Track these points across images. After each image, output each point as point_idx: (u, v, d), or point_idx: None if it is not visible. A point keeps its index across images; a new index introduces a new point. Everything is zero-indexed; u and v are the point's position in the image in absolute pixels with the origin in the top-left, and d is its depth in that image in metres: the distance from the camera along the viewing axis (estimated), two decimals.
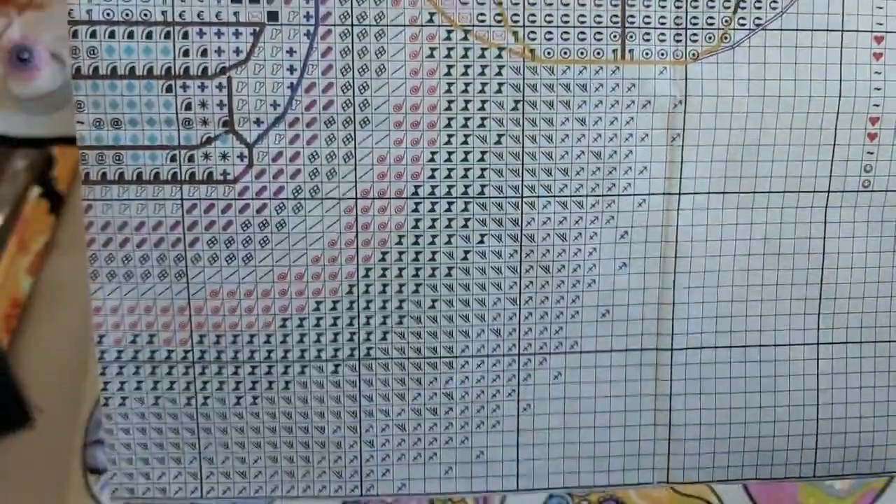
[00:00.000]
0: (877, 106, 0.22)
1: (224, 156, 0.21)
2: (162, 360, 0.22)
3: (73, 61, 0.20)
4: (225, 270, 0.21)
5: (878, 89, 0.22)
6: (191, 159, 0.21)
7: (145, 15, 0.20)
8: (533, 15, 0.21)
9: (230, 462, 0.22)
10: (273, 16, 0.20)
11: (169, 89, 0.20)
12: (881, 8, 0.22)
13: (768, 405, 0.24)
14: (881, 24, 0.22)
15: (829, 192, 0.23)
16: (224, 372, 0.22)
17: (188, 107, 0.21)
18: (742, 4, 0.22)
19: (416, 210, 0.22)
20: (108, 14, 0.20)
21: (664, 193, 0.22)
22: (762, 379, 0.24)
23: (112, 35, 0.20)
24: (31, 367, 0.37)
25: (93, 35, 0.20)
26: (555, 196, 0.22)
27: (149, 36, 0.20)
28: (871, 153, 0.23)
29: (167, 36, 0.20)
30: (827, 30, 0.22)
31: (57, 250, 0.38)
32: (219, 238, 0.21)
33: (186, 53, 0.20)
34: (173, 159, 0.21)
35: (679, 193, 0.22)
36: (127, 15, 0.20)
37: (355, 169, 0.21)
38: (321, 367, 0.22)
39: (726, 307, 0.23)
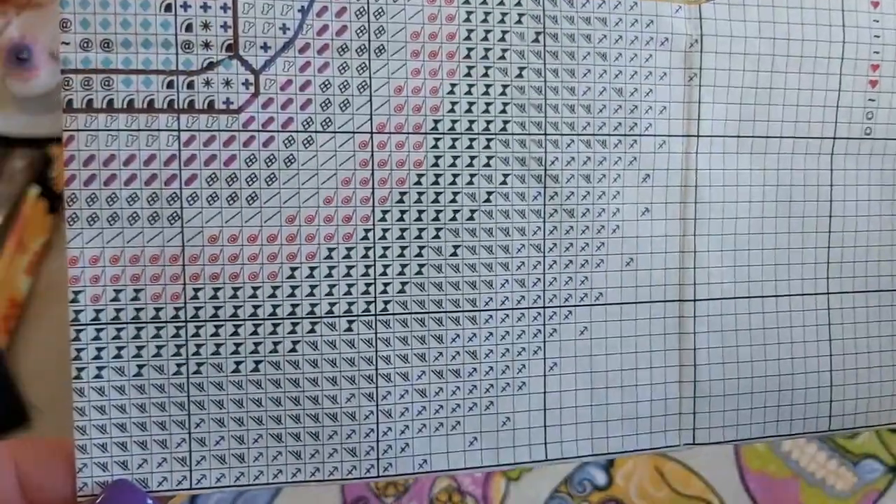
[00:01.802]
0: (877, 53, 0.26)
1: (227, 83, 0.21)
2: (148, 319, 0.21)
3: None
4: (226, 212, 0.22)
5: (878, 36, 0.26)
6: (190, 86, 0.21)
7: None
8: None
9: (226, 442, 0.22)
10: None
11: (168, 8, 0.21)
12: None
13: (785, 357, 0.26)
14: None
15: (834, 138, 0.26)
16: (221, 332, 0.22)
17: (189, 28, 0.21)
18: None
19: (435, 146, 0.23)
20: None
21: (683, 135, 0.25)
22: (779, 331, 0.26)
23: None
24: (29, 367, 0.43)
25: None
26: (578, 134, 0.24)
27: None
28: (873, 100, 0.26)
29: None
30: None
31: (56, 250, 0.45)
32: (220, 175, 0.22)
33: None
34: (170, 86, 0.21)
35: (697, 136, 0.25)
36: None
37: (370, 100, 0.22)
38: (333, 323, 0.22)
39: (743, 256, 0.26)
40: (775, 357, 0.26)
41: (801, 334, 0.26)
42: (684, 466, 0.43)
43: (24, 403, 0.43)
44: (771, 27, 0.25)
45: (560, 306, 0.24)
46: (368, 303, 0.23)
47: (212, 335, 0.22)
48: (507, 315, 0.24)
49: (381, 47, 0.22)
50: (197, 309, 0.22)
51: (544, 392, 0.24)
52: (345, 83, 0.22)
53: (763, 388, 0.26)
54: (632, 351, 0.25)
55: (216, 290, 0.22)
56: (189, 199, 0.21)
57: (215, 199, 0.21)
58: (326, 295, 0.22)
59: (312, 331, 0.22)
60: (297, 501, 0.41)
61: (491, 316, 0.23)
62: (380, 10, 0.22)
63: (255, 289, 0.22)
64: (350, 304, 0.22)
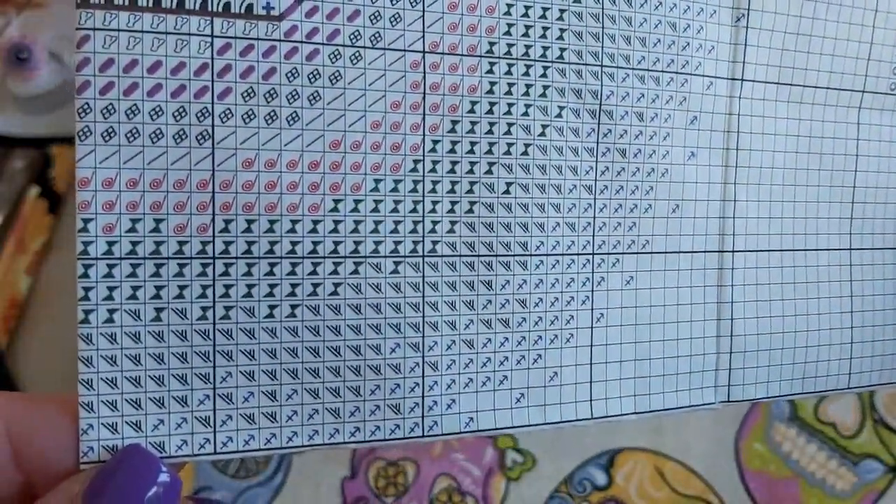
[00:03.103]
0: None
1: None
2: (170, 255, 0.20)
3: None
4: (263, 133, 0.21)
5: None
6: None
7: None
8: None
9: (255, 399, 0.21)
10: None
11: None
12: None
13: (812, 313, 0.28)
14: None
15: (863, 91, 0.28)
16: (254, 271, 0.21)
17: None
18: None
19: (490, 71, 0.23)
20: None
21: (729, 78, 0.26)
22: (807, 286, 0.28)
23: None
24: (29, 367, 0.45)
25: None
26: (633, 68, 0.24)
27: None
28: None
29: None
30: None
31: (55, 250, 0.45)
32: (257, 90, 0.20)
33: None
34: None
35: (742, 79, 0.26)
36: None
37: (423, 16, 0.22)
38: (379, 264, 0.22)
39: (777, 208, 0.27)
40: (803, 312, 0.27)
41: (827, 290, 0.28)
42: (684, 466, 0.44)
43: None
44: None
45: (608, 253, 0.24)
46: (416, 242, 0.22)
47: (243, 274, 0.21)
48: (558, 261, 0.24)
49: None
50: (227, 244, 0.20)
51: (591, 345, 0.24)
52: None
53: (793, 343, 0.27)
54: (674, 304, 0.26)
55: (249, 222, 0.21)
56: (222, 115, 0.20)
57: (251, 117, 0.20)
58: (371, 232, 0.22)
59: (356, 272, 0.21)
60: (296, 501, 0.41)
61: (542, 261, 0.24)
62: None
63: (293, 222, 0.21)
64: (396, 242, 0.22)
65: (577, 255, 0.24)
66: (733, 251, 0.26)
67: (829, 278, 0.28)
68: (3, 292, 0.45)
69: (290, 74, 0.21)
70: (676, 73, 0.25)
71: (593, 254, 0.24)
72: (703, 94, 0.25)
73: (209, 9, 0.20)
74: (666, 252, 0.25)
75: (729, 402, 0.27)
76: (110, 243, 0.20)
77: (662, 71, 0.24)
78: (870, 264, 0.29)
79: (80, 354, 0.19)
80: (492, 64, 0.22)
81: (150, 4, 0.19)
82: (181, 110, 0.20)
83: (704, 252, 0.26)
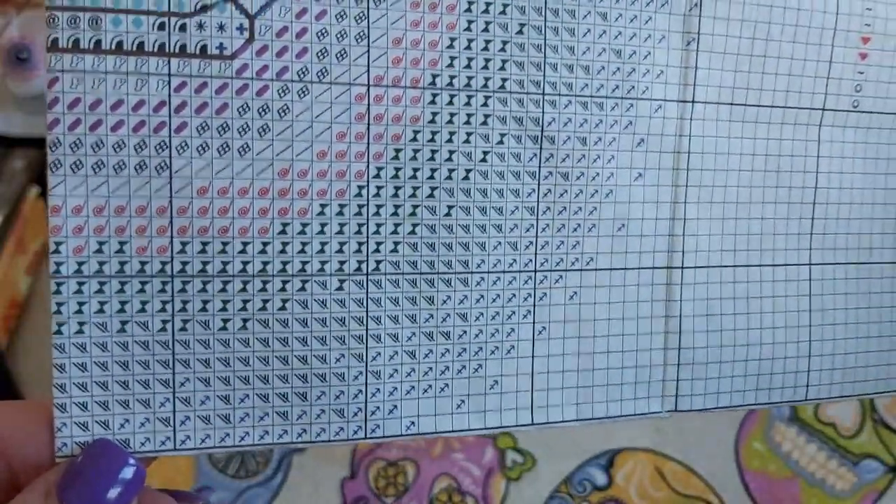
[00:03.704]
0: (868, 25, 0.30)
1: (221, 27, 0.24)
2: (133, 273, 0.24)
3: None
4: (217, 163, 0.24)
5: (870, 9, 0.30)
6: (182, 28, 0.23)
7: None
8: None
9: (211, 402, 0.25)
10: None
11: None
12: None
13: (767, 327, 0.30)
14: None
15: (823, 109, 0.30)
16: (209, 288, 0.24)
17: None
18: None
19: (433, 102, 0.26)
20: None
21: (679, 101, 0.28)
22: (762, 300, 0.30)
23: None
24: (29, 367, 0.47)
25: None
26: (576, 95, 0.27)
27: None
28: (862, 73, 0.30)
29: None
30: None
31: None
32: (211, 124, 0.24)
33: None
34: (162, 27, 0.23)
35: (693, 101, 0.29)
36: None
37: (368, 51, 0.25)
38: (324, 282, 0.25)
39: (731, 225, 0.30)
40: (757, 326, 0.30)
41: (783, 304, 0.30)
42: (684, 466, 0.47)
43: None
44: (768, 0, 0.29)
45: (551, 270, 0.27)
46: (360, 262, 0.25)
47: (199, 291, 0.24)
48: (499, 278, 0.27)
49: None
50: (184, 263, 0.24)
51: (532, 356, 0.27)
52: (342, 32, 0.25)
53: (745, 356, 0.30)
54: (619, 317, 0.28)
55: (204, 244, 0.24)
56: (178, 147, 0.24)
57: (206, 148, 0.24)
58: (318, 252, 0.25)
59: (303, 289, 0.25)
60: (296, 501, 0.45)
61: (482, 278, 0.27)
62: None
63: (244, 244, 0.24)
64: (341, 262, 0.25)
65: (519, 272, 0.27)
66: (682, 267, 0.29)
67: (785, 293, 0.30)
68: (3, 292, 0.47)
69: (241, 109, 0.24)
70: (622, 98, 0.27)
71: (535, 271, 0.27)
72: (650, 118, 0.28)
73: (166, 50, 0.23)
74: (611, 269, 0.28)
75: (676, 411, 0.29)
76: (80, 263, 0.23)
77: (606, 97, 0.27)
78: (830, 279, 0.31)
79: (53, 362, 0.23)
80: (434, 95, 0.26)
81: (113, 47, 0.23)
82: (141, 143, 0.23)
83: (652, 268, 0.29)
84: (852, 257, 0.31)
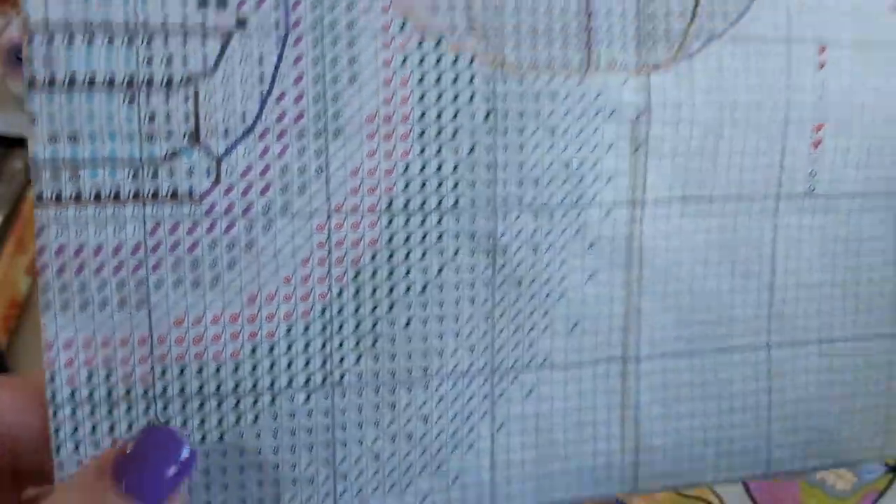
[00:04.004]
0: (821, 114, 0.32)
1: (190, 171, 0.27)
2: (120, 398, 0.27)
3: (27, 70, 0.25)
4: (190, 296, 0.27)
5: (822, 99, 0.32)
6: (154, 175, 0.26)
7: (107, 19, 0.26)
8: (503, 22, 0.29)
9: None
10: (242, 23, 0.27)
11: (131, 100, 0.26)
12: (825, 20, 0.32)
13: (725, 410, 0.33)
14: (825, 35, 0.32)
15: (778, 196, 0.33)
16: (188, 408, 0.28)
17: (152, 119, 0.26)
18: (697, 13, 0.31)
19: (390, 225, 0.29)
20: (66, 18, 0.25)
21: (629, 203, 0.31)
22: (719, 382, 0.33)
23: (71, 41, 0.25)
24: (29, 367, 0.48)
25: (50, 41, 0.25)
26: (527, 207, 0.30)
27: (110, 42, 0.26)
28: (816, 160, 0.33)
29: (130, 43, 0.26)
30: (775, 39, 0.32)
31: None
32: (184, 260, 0.27)
33: (150, 62, 0.26)
34: (135, 176, 0.26)
35: (643, 203, 0.31)
36: (87, 20, 0.25)
37: (327, 183, 0.28)
38: (293, 396, 0.28)
39: (687, 313, 0.32)
40: (715, 411, 0.33)
41: (742, 385, 0.33)
42: None
43: None
44: (718, 93, 0.31)
45: (508, 370, 0.30)
46: (325, 376, 0.28)
47: (179, 410, 0.27)
48: (457, 380, 0.30)
49: (337, 130, 0.28)
50: (164, 387, 0.27)
51: (492, 451, 0.30)
52: (303, 167, 0.28)
53: (703, 438, 0.32)
54: (576, 408, 0.31)
55: (182, 368, 0.27)
56: (155, 284, 0.27)
57: (180, 283, 0.27)
58: (285, 370, 0.28)
59: (273, 403, 0.28)
60: None
61: (442, 382, 0.30)
62: (336, 94, 0.28)
63: (218, 367, 0.28)
64: (308, 376, 0.28)
65: (477, 374, 0.30)
66: (638, 357, 0.31)
67: (743, 375, 0.33)
68: (3, 292, 0.48)
69: (210, 245, 0.27)
70: (571, 205, 0.30)
71: (493, 371, 0.30)
72: (601, 221, 0.30)
73: (141, 197, 0.26)
74: (566, 365, 0.31)
75: (638, 491, 0.32)
76: (72, 391, 0.27)
77: (556, 206, 0.30)
78: (790, 358, 0.33)
79: (56, 478, 0.27)
80: (390, 219, 0.28)
81: (92, 198, 0.26)
82: (122, 282, 0.27)
83: (608, 360, 0.31)
84: (813, 336, 0.33)
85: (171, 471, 0.25)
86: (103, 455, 0.25)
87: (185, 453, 0.25)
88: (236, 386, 0.28)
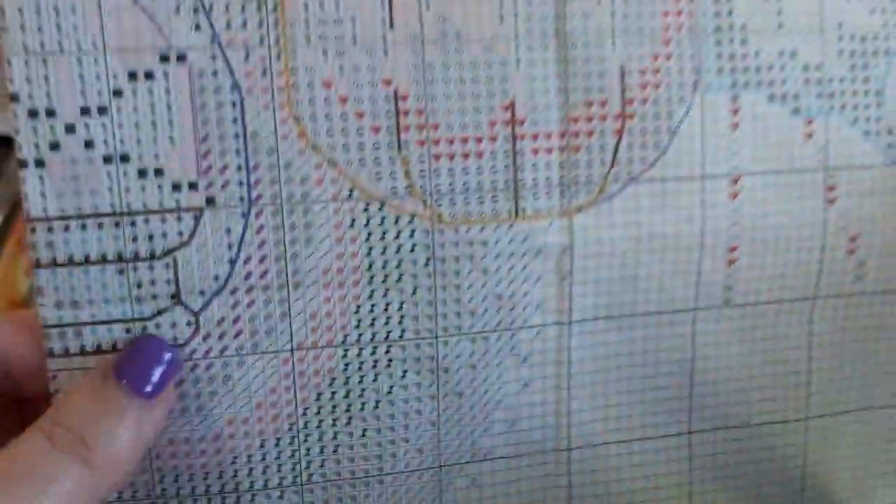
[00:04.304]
0: (735, 237, 0.36)
1: (174, 324, 0.32)
2: (128, 499, 0.34)
3: (32, 254, 0.31)
4: (178, 420, 0.33)
5: (736, 224, 0.36)
6: (144, 329, 0.32)
7: (96, 209, 0.31)
8: (438, 185, 0.33)
9: None
10: (211, 201, 0.32)
11: (121, 272, 0.32)
12: (737, 153, 0.36)
13: (651, 499, 0.38)
14: (737, 168, 0.36)
15: (695, 309, 0.37)
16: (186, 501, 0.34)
17: (139, 286, 0.32)
18: (616, 160, 0.35)
19: (345, 356, 0.34)
20: (62, 211, 0.31)
21: (557, 324, 0.36)
22: (644, 467, 0.38)
23: (67, 229, 0.31)
24: None
25: (50, 230, 0.31)
26: (465, 334, 0.35)
27: (100, 227, 0.31)
28: (731, 276, 0.37)
29: (117, 225, 0.31)
30: (689, 178, 0.35)
31: None
32: (171, 396, 0.33)
33: (135, 239, 0.31)
34: (129, 331, 0.32)
35: (569, 322, 0.36)
36: (79, 210, 0.31)
37: (290, 326, 0.33)
38: (269, 493, 0.34)
39: (614, 410, 0.37)
40: (643, 499, 0.38)
41: (665, 468, 0.38)
42: None
43: None
44: (636, 227, 0.35)
45: (453, 465, 0.36)
46: (295, 477, 0.34)
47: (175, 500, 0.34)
48: (409, 475, 0.36)
49: (297, 283, 0.33)
50: (163, 490, 0.34)
51: None
52: (269, 314, 0.33)
53: None
54: (517, 492, 0.37)
55: (177, 476, 0.34)
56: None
57: (171, 411, 0.33)
58: (261, 474, 0.34)
59: (252, 501, 0.34)
60: None
61: (395, 478, 0.35)
62: (295, 254, 0.33)
63: (206, 474, 0.34)
64: (281, 478, 0.34)
65: (426, 469, 0.35)
66: (569, 449, 0.37)
67: (667, 458, 0.38)
68: (3, 292, 0.49)
69: (194, 381, 0.33)
70: (504, 330, 0.35)
71: (440, 466, 0.36)
72: (532, 340, 0.35)
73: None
74: (506, 457, 0.36)
75: None
76: None
77: (491, 331, 0.35)
78: (711, 442, 0.38)
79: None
80: (346, 350, 0.34)
81: (93, 349, 0.32)
82: None
83: (542, 453, 0.37)
84: (733, 420, 0.38)
85: (160, 369, 0.30)
86: (104, 360, 0.31)
87: (168, 356, 0.31)
88: (221, 487, 0.34)
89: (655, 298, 0.36)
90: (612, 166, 0.34)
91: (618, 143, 0.34)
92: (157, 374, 0.30)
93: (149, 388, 0.30)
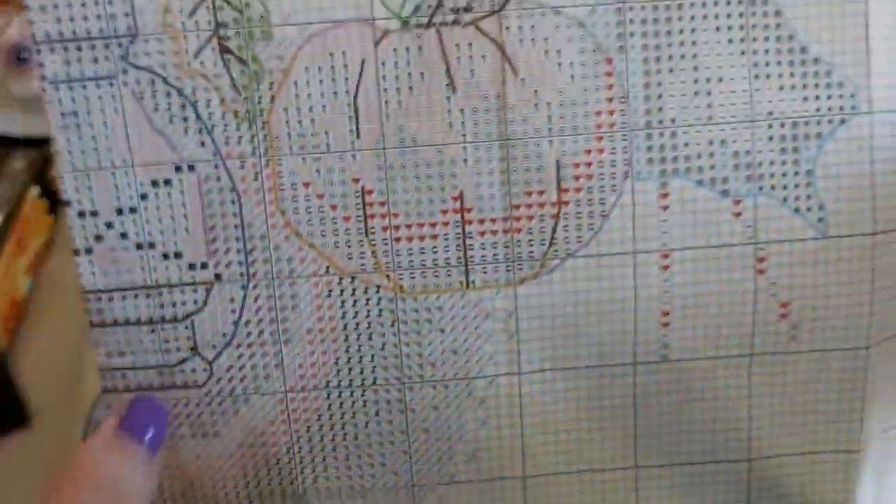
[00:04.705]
0: (666, 303, 0.41)
1: (193, 370, 0.42)
2: None
3: (88, 316, 0.41)
4: (201, 442, 0.43)
5: (667, 292, 0.41)
6: (171, 374, 0.42)
7: (132, 284, 0.41)
8: (399, 262, 0.41)
9: None
10: (218, 277, 0.41)
11: (153, 331, 0.41)
12: (666, 232, 0.41)
13: None
14: (666, 244, 0.41)
15: (635, 363, 0.42)
16: None
17: (167, 340, 0.41)
18: (554, 240, 0.41)
19: (328, 397, 0.42)
20: (107, 285, 0.40)
21: (508, 374, 0.42)
22: (594, 497, 0.44)
23: (111, 299, 0.41)
24: (29, 367, 0.50)
25: (99, 300, 0.41)
26: (427, 381, 0.42)
27: (136, 297, 0.41)
28: (666, 336, 0.42)
29: (148, 296, 0.41)
30: (622, 253, 0.41)
31: (55, 250, 0.52)
32: (195, 423, 0.42)
33: (162, 307, 0.41)
34: (160, 374, 0.42)
35: (519, 373, 0.42)
36: (119, 285, 0.41)
37: (283, 373, 0.42)
38: (273, 502, 0.44)
39: (565, 445, 0.43)
40: None
41: (612, 498, 0.44)
42: None
43: (24, 403, 0.50)
44: (574, 295, 0.41)
45: (424, 484, 0.44)
46: (294, 490, 0.43)
47: None
48: (385, 494, 0.44)
49: (287, 339, 0.41)
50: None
51: None
52: (266, 364, 0.42)
53: None
54: None
55: (186, 486, 0.43)
56: (178, 437, 0.43)
57: (194, 435, 0.42)
58: (267, 485, 0.43)
59: None
60: None
61: (374, 493, 0.44)
62: (285, 317, 0.41)
63: (225, 494, 0.43)
64: (282, 490, 0.43)
65: (400, 488, 0.43)
66: (524, 477, 0.44)
67: (614, 489, 0.44)
68: (3, 292, 0.48)
69: (210, 414, 0.42)
70: (461, 379, 0.42)
71: (413, 486, 0.44)
72: (486, 387, 0.42)
73: (164, 386, 0.42)
74: (469, 482, 0.44)
75: None
76: None
77: (450, 379, 0.42)
78: (656, 477, 0.44)
79: None
80: (329, 393, 0.42)
81: (135, 388, 0.42)
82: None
83: (501, 479, 0.44)
84: (676, 459, 0.44)
85: (154, 420, 0.39)
86: (108, 418, 0.39)
87: (160, 411, 0.40)
88: (237, 496, 0.43)
89: (596, 353, 0.42)
90: (550, 245, 0.40)
91: (555, 225, 0.40)
92: (152, 428, 0.39)
93: (150, 435, 0.39)
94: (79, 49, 0.38)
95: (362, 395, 0.42)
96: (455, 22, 0.39)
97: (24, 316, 0.50)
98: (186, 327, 0.41)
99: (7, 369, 0.50)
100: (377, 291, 0.40)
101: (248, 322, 0.41)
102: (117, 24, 0.38)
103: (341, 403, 0.42)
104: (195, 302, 0.40)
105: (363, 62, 0.39)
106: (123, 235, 0.40)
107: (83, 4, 0.38)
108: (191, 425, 0.42)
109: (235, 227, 0.40)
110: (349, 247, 0.40)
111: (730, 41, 0.39)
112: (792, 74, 0.39)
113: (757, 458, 0.43)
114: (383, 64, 0.39)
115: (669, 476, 0.44)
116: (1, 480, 0.45)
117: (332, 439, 0.42)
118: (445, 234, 0.40)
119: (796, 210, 0.40)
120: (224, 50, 0.38)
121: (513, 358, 0.41)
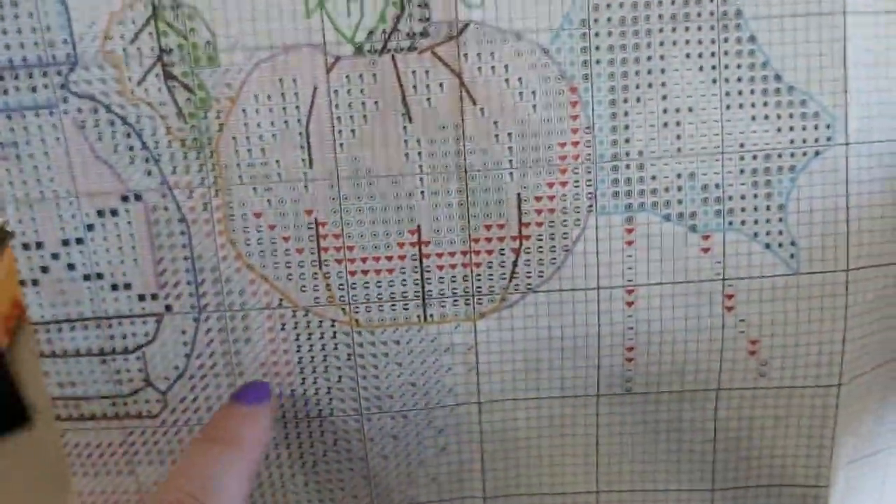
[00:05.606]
0: (631, 339, 0.40)
1: (147, 401, 0.41)
2: None
3: (37, 347, 0.40)
4: (158, 471, 0.42)
5: (632, 328, 0.40)
6: (125, 405, 0.41)
7: (80, 315, 0.39)
8: (355, 295, 0.39)
9: None
10: (169, 308, 0.39)
11: (104, 362, 0.40)
12: (631, 267, 0.39)
13: None
14: (631, 280, 0.39)
15: (598, 396, 0.41)
16: None
17: (118, 371, 0.40)
18: (515, 274, 0.39)
19: (285, 427, 0.41)
20: (55, 316, 0.39)
21: (468, 404, 0.41)
22: None
23: (60, 330, 0.40)
24: (29, 367, 0.51)
25: (48, 331, 0.40)
26: (385, 412, 0.41)
27: (85, 328, 0.40)
28: (630, 370, 0.41)
29: (98, 327, 0.40)
30: (585, 289, 0.39)
31: None
32: (151, 452, 0.42)
33: (112, 338, 0.40)
34: (114, 405, 0.41)
35: (479, 402, 0.41)
36: (68, 316, 0.39)
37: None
38: None
39: (525, 469, 0.43)
40: None
41: None
42: None
43: (24, 403, 0.51)
44: (535, 331, 0.40)
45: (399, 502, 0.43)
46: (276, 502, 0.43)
47: None
48: None
49: (241, 372, 0.40)
50: None
51: None
52: (220, 395, 0.41)
53: None
54: None
55: None
56: (136, 462, 0.42)
57: (151, 462, 0.42)
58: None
59: None
60: None
61: None
62: (238, 350, 0.40)
63: None
64: None
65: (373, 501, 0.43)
66: (484, 497, 0.43)
67: None
68: (3, 292, 0.49)
69: (167, 442, 0.41)
70: (420, 409, 0.41)
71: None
72: (447, 416, 0.41)
73: (118, 417, 0.41)
74: (431, 502, 0.43)
75: None
76: None
77: (409, 410, 0.41)
78: (617, 502, 0.44)
79: None
80: (286, 423, 0.41)
81: (90, 417, 0.41)
82: (116, 462, 0.42)
83: (461, 499, 0.43)
84: (637, 486, 0.43)
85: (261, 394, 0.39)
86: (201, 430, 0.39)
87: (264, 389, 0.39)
88: None
89: (559, 385, 0.41)
90: (511, 280, 0.39)
91: (516, 260, 0.39)
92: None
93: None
94: (16, 77, 0.36)
95: (319, 426, 0.41)
96: (411, 48, 0.36)
97: (24, 315, 0.49)
98: (138, 358, 0.40)
99: (7, 369, 0.50)
100: (332, 325, 0.39)
101: (199, 354, 0.40)
102: (56, 52, 0.36)
103: (298, 434, 0.41)
104: (146, 334, 0.39)
105: (315, 90, 0.37)
106: (71, 266, 0.38)
107: (19, 31, 0.36)
108: (147, 453, 0.41)
109: (185, 258, 0.38)
110: (303, 279, 0.39)
111: (700, 69, 0.37)
112: (765, 104, 0.37)
113: (720, 489, 0.43)
114: (336, 92, 0.37)
115: (631, 501, 0.43)
116: (1, 480, 0.45)
117: (291, 468, 0.42)
118: (402, 268, 0.39)
119: (767, 245, 0.38)
120: (169, 77, 0.36)
121: (472, 389, 0.40)
